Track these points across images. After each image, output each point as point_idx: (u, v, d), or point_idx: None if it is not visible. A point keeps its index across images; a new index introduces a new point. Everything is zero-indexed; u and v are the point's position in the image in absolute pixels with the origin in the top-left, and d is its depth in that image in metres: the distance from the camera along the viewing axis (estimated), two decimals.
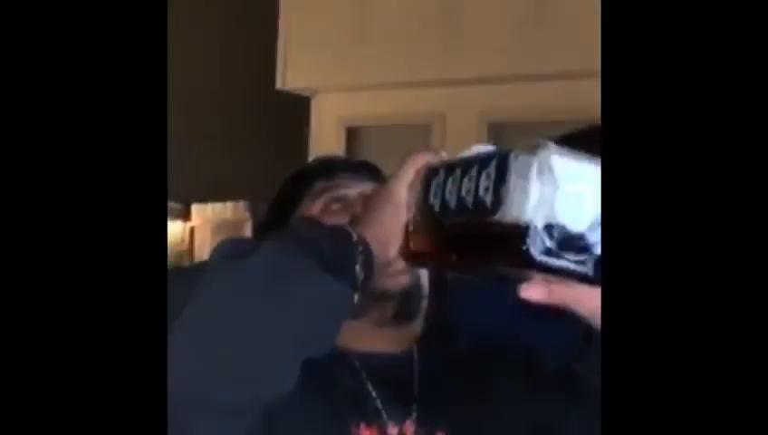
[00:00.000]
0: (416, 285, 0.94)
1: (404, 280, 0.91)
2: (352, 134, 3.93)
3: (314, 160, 1.11)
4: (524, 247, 0.59)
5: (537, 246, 0.59)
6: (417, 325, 0.97)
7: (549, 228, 0.60)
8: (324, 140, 3.84)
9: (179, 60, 2.53)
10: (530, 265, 0.60)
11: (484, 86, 3.48)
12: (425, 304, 0.97)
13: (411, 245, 0.75)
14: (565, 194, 0.60)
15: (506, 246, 0.61)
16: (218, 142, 3.54)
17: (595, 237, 0.60)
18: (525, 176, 0.60)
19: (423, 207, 0.73)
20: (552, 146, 0.60)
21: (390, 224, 0.76)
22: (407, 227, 0.75)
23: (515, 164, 0.62)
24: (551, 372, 0.97)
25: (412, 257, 0.76)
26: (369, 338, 0.93)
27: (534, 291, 0.65)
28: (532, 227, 0.59)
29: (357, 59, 3.66)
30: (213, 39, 3.54)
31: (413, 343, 0.96)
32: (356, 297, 0.72)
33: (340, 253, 0.73)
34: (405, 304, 0.93)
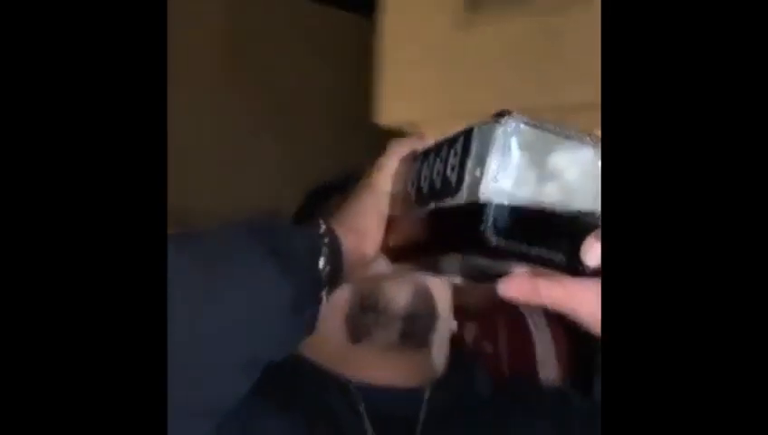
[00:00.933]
0: (425, 304, 0.86)
1: (408, 295, 0.84)
2: None
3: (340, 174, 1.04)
4: (481, 228, 0.53)
5: (495, 227, 0.53)
6: (433, 357, 0.88)
7: (512, 206, 0.53)
8: None
9: (276, 94, 2.50)
10: (488, 249, 0.53)
11: (585, 113, 3.03)
12: (441, 330, 0.88)
13: (391, 239, 0.68)
14: (532, 167, 0.54)
15: (465, 228, 0.55)
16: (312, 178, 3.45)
17: (571, 220, 0.54)
18: (486, 147, 0.54)
19: (402, 196, 0.67)
20: (520, 115, 0.54)
21: (367, 215, 0.69)
22: (390, 220, 0.69)
23: (478, 135, 0.55)
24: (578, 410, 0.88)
25: (392, 254, 0.69)
26: (373, 366, 0.84)
27: (514, 287, 0.56)
28: (490, 205, 0.53)
29: (455, 90, 3.38)
30: (310, 72, 3.49)
31: (425, 378, 0.86)
32: (323, 295, 0.65)
33: (299, 243, 0.64)
34: (412, 324, 0.84)
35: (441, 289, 0.87)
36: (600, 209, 0.54)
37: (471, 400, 0.87)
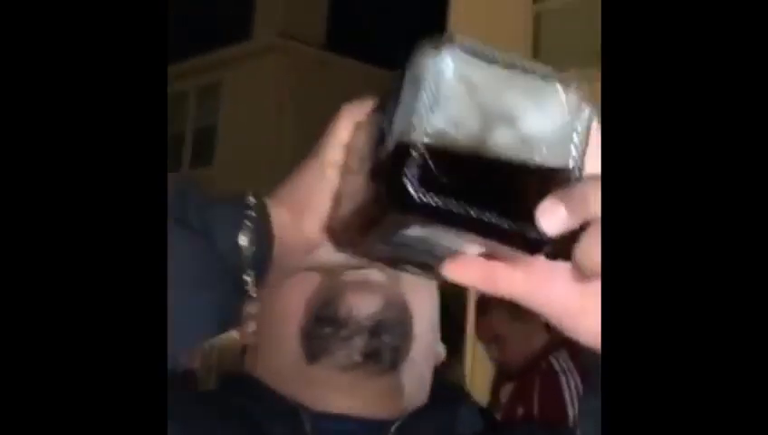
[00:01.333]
0: (397, 316, 0.70)
1: (375, 304, 0.69)
2: None
3: None
4: (402, 179, 0.42)
5: (421, 177, 0.42)
6: (406, 385, 0.72)
7: (445, 152, 0.42)
8: None
9: None
10: (413, 208, 0.42)
11: None
12: (418, 352, 0.72)
13: (334, 218, 0.55)
14: (475, 105, 0.43)
15: (390, 183, 0.44)
16: None
17: (526, 175, 0.43)
18: (418, 82, 0.44)
19: (351, 166, 0.55)
20: (465, 42, 0.44)
21: (308, 189, 0.56)
22: (337, 196, 0.56)
23: (412, 69, 0.45)
24: None
25: (334, 235, 0.56)
26: (330, 389, 0.70)
27: (462, 269, 0.46)
28: (415, 149, 0.42)
29: None
30: None
31: (394, 410, 0.71)
32: (247, 278, 0.54)
33: (215, 213, 0.54)
34: (380, 341, 0.69)
35: (422, 302, 0.73)
36: (566, 164, 0.44)
37: None
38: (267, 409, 0.69)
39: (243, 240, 0.53)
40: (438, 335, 0.77)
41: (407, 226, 0.45)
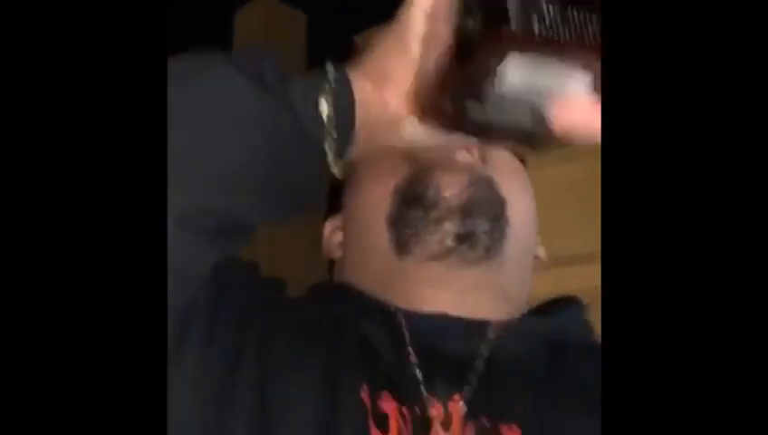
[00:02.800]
0: (488, 196, 0.68)
1: (463, 182, 0.67)
2: None
3: None
4: None
5: None
6: (505, 277, 0.69)
7: None
8: None
9: None
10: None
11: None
12: (516, 243, 0.69)
13: (419, 86, 0.52)
14: None
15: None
16: None
17: None
18: None
19: (435, 36, 0.52)
20: None
21: (390, 59, 0.53)
22: (420, 69, 0.52)
23: None
24: None
25: (420, 103, 0.53)
26: (426, 284, 0.67)
27: (567, 111, 0.47)
28: None
29: None
30: None
31: (496, 309, 0.67)
32: (329, 150, 0.52)
33: (295, 82, 0.52)
34: (471, 219, 0.66)
35: (513, 187, 0.70)
36: None
37: (559, 351, 0.66)
38: (361, 311, 0.66)
39: (323, 106, 0.51)
40: (537, 237, 0.73)
41: (505, 49, 0.45)
